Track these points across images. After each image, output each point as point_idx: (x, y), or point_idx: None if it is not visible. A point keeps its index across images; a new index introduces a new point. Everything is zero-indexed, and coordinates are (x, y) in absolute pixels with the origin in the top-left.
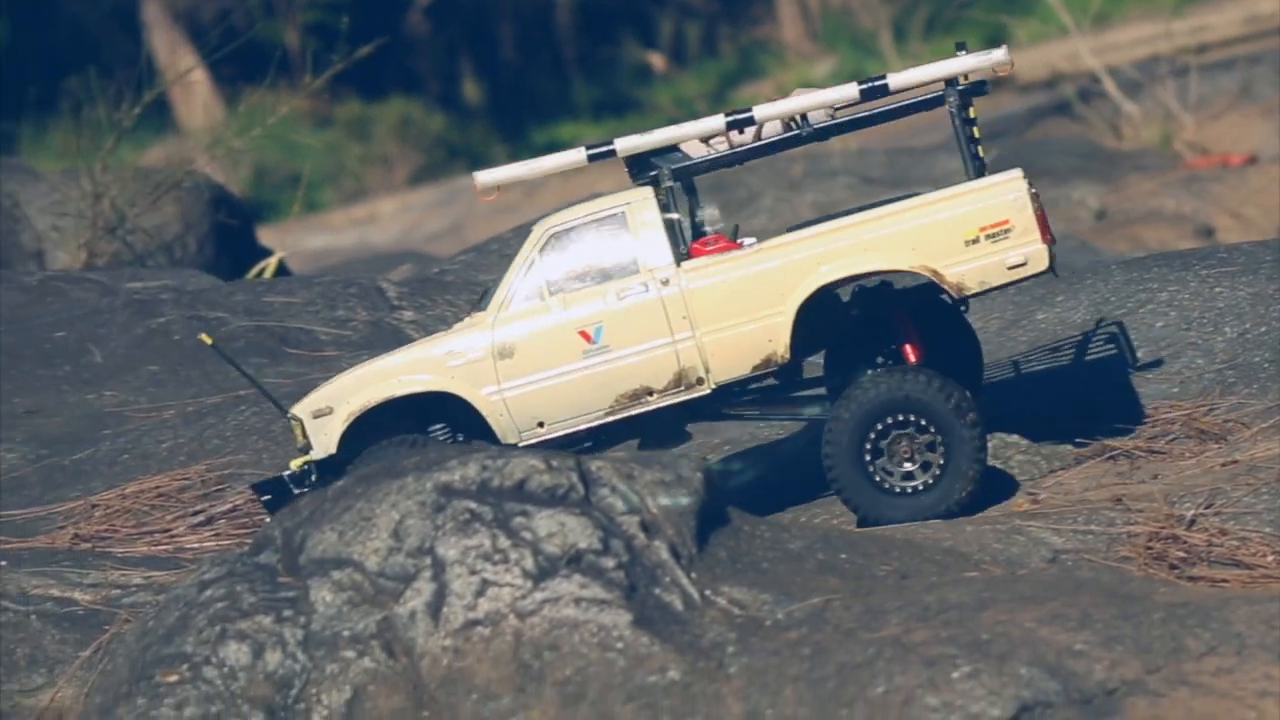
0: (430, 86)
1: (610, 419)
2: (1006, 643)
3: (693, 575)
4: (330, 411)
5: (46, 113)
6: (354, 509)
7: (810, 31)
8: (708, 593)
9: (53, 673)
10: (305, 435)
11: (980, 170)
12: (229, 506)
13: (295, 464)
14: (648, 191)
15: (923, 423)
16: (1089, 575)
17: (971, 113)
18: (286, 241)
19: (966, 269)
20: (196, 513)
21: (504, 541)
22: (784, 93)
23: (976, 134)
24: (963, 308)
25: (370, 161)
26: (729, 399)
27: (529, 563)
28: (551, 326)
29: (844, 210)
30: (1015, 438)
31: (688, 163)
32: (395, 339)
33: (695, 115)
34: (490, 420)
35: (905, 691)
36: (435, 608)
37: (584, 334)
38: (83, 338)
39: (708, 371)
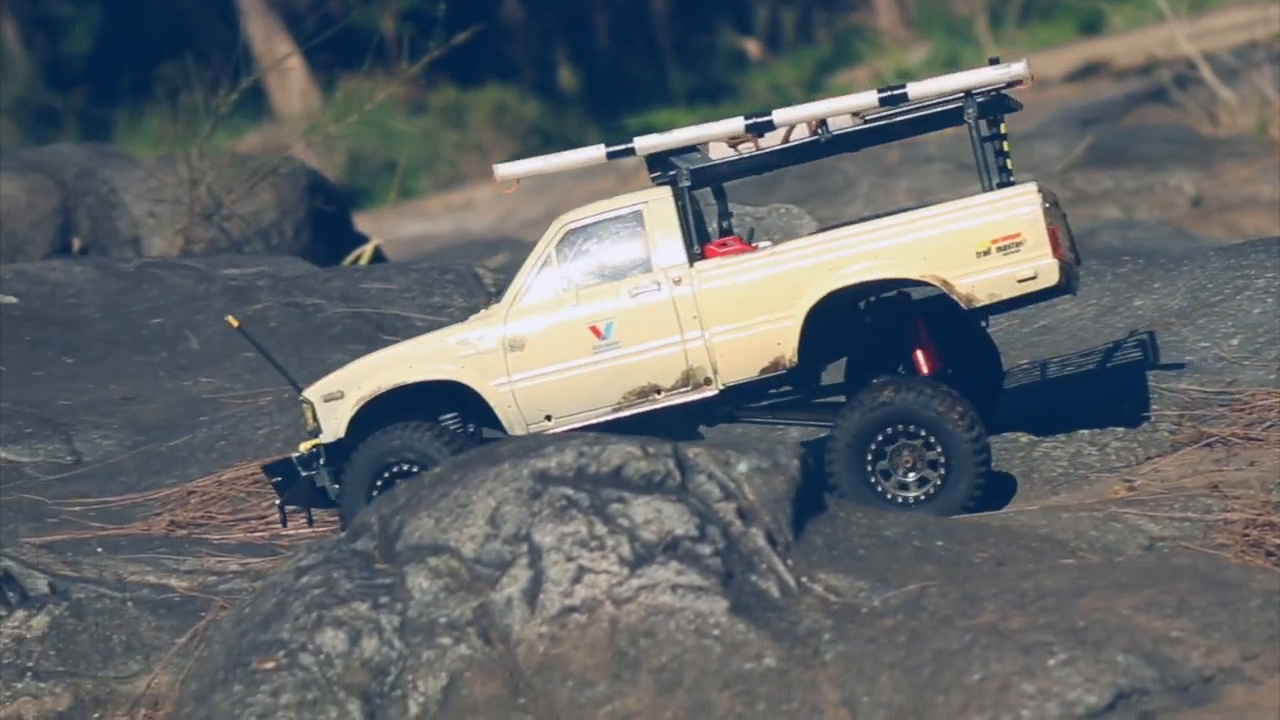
0: (525, 73)
1: (618, 415)
2: (1103, 630)
3: (789, 562)
4: (341, 396)
5: (142, 99)
6: (451, 495)
7: (905, 18)
8: (804, 579)
9: (149, 659)
10: (315, 418)
11: (1007, 184)
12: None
13: (304, 446)
14: (666, 191)
15: (923, 433)
16: (1185, 562)
17: (1003, 128)
18: (382, 228)
19: (977, 280)
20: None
21: (600, 528)
22: (879, 80)
23: (1006, 148)
24: (984, 321)
25: (466, 148)
26: (738, 401)
27: (625, 549)
28: (563, 321)
29: (863, 217)
30: (1100, 430)
31: (705, 164)
32: None
33: (790, 102)
34: (498, 411)
35: (1001, 679)
36: (532, 594)
37: (595, 329)
38: (179, 324)
39: (716, 372)
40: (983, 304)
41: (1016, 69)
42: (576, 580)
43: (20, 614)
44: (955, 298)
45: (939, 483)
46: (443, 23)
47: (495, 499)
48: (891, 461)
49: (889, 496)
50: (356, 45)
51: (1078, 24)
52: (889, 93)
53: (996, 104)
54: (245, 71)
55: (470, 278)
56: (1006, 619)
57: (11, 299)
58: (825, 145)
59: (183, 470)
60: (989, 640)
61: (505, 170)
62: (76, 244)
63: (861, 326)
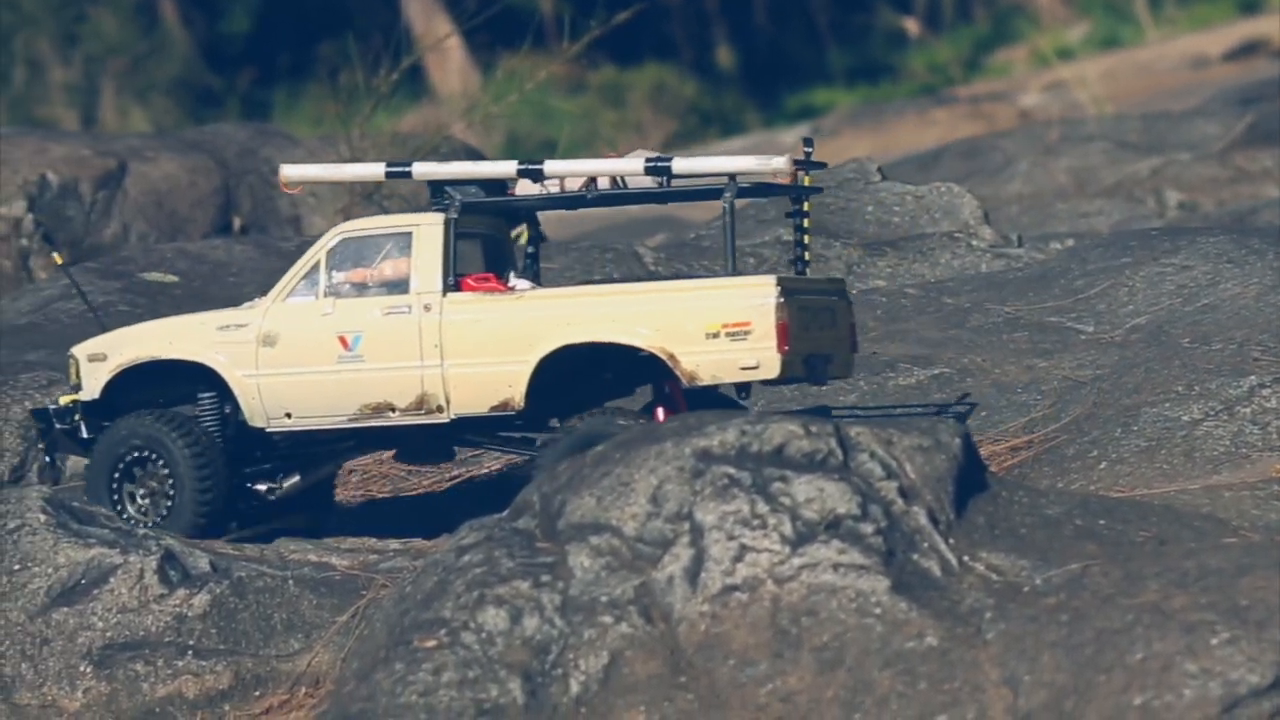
0: (684, 53)
1: (353, 425)
2: (1265, 609)
3: (951, 541)
4: (104, 358)
5: (300, 80)
6: (613, 474)
7: None
8: (965, 558)
9: (309, 638)
10: (78, 375)
11: (802, 270)
12: (485, 471)
13: (64, 399)
14: (439, 217)
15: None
16: None
17: (806, 206)
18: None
19: (702, 360)
20: (453, 477)
21: (762, 507)
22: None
23: (807, 233)
24: (743, 396)
25: (624, 128)
26: (471, 430)
27: (787, 528)
28: (314, 325)
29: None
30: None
31: (478, 199)
32: None
33: (950, 82)
34: (241, 401)
35: (1163, 658)
36: (693, 573)
37: (342, 339)
38: None
39: (448, 402)
40: (704, 383)
41: (777, 163)
42: (738, 559)
43: (182, 592)
44: (678, 373)
45: None
46: (603, 2)
47: (657, 477)
48: None
49: None
50: (515, 25)
51: (1237, 2)
52: (655, 164)
53: (807, 190)
54: (405, 52)
55: (630, 256)
56: (1169, 598)
57: (173, 278)
58: (593, 198)
59: None
60: (1151, 619)
61: (290, 172)
62: (237, 223)
63: (603, 381)
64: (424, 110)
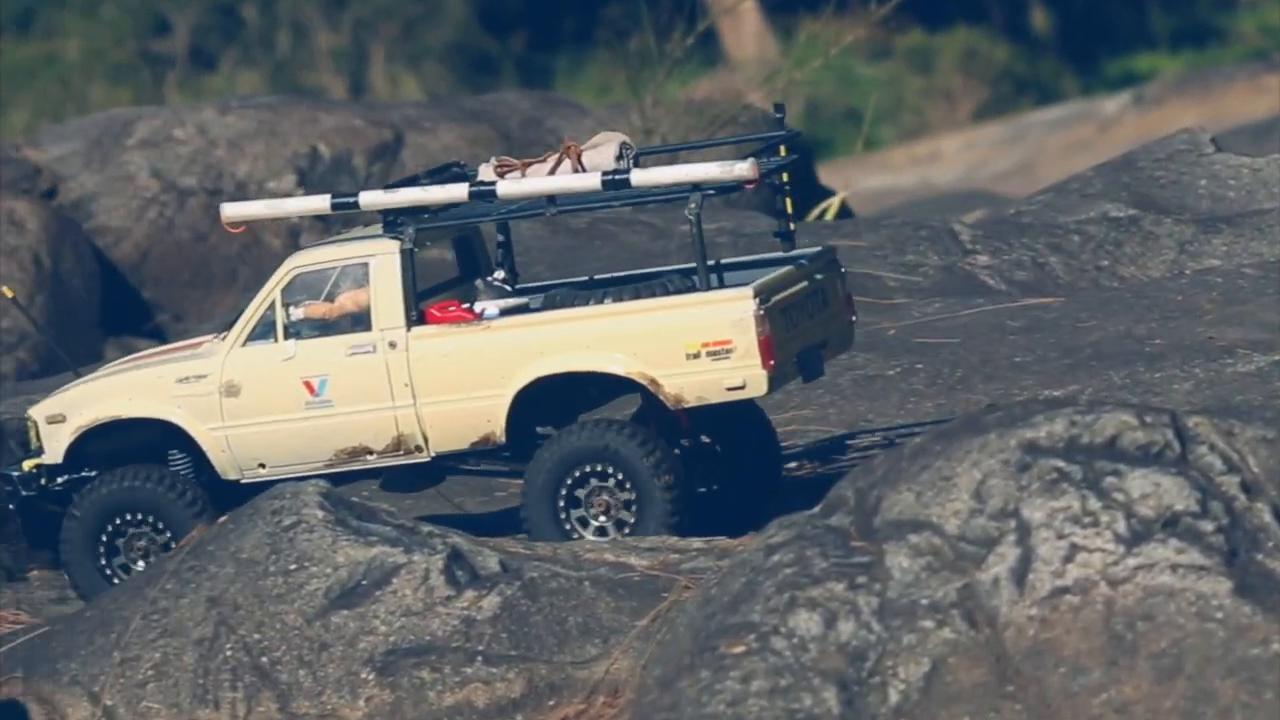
0: (995, 15)
1: (331, 470)
2: None
3: None
4: (63, 420)
5: (584, 45)
6: (932, 468)
7: None
8: None
9: (607, 643)
10: (39, 438)
11: (789, 243)
12: (795, 465)
13: (28, 465)
14: (394, 245)
15: (619, 476)
16: None
17: (785, 178)
18: (846, 180)
19: (685, 382)
20: None
21: (1094, 503)
22: None
23: (790, 208)
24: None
25: (932, 95)
26: (456, 462)
27: (1121, 526)
28: (278, 372)
29: (600, 280)
30: None
31: (432, 224)
32: (969, 285)
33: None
34: (211, 456)
35: None
36: (1020, 574)
37: (308, 384)
38: None
39: (426, 441)
40: (690, 405)
41: (741, 169)
42: (1068, 559)
43: (470, 594)
44: (662, 398)
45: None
46: None
47: (980, 471)
48: (586, 503)
49: (575, 537)
50: None
51: None
52: (611, 177)
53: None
54: (699, 15)
55: (945, 234)
56: None
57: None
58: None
59: None
60: None
61: (231, 211)
62: None
63: (586, 400)
64: (718, 77)
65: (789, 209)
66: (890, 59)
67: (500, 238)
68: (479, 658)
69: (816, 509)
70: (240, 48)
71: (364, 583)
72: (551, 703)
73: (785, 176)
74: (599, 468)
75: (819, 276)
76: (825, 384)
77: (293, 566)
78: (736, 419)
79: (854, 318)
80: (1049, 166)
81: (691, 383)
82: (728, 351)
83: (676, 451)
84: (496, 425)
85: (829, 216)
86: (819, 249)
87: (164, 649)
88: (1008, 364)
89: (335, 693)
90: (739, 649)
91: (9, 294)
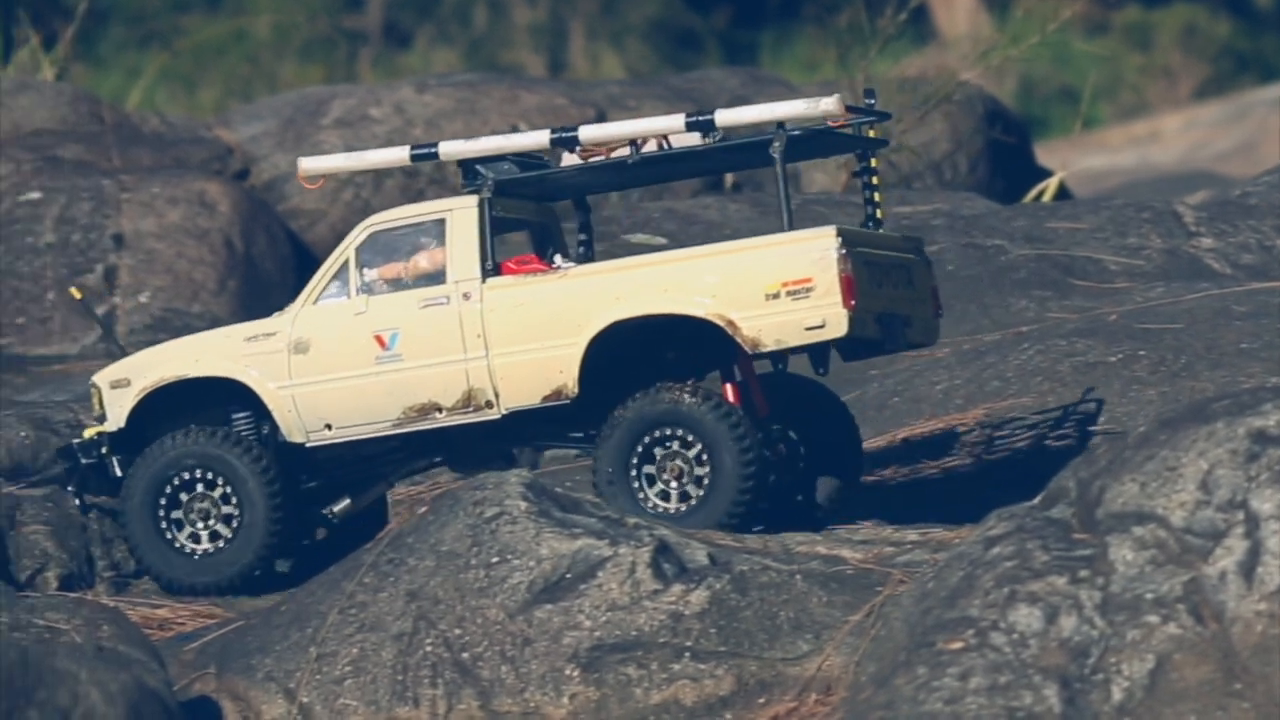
0: None
1: (399, 431)
2: None
3: None
4: (127, 384)
5: (790, 20)
6: (1157, 457)
7: None
8: None
9: (819, 639)
10: (102, 405)
11: (876, 227)
12: (1009, 454)
13: (88, 433)
14: (472, 200)
15: (690, 439)
16: None
17: (874, 162)
18: (1063, 161)
19: (764, 324)
20: (975, 456)
21: None
22: None
23: (878, 192)
24: (820, 371)
25: (1150, 73)
26: (525, 428)
27: None
28: (349, 327)
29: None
30: None
31: (511, 176)
32: (1193, 268)
33: None
34: (276, 416)
35: None
36: (1248, 568)
37: (379, 338)
38: None
39: (497, 396)
40: (769, 349)
41: (826, 104)
42: None
43: (678, 588)
44: (739, 340)
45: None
46: None
47: (1207, 461)
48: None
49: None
50: None
51: None
52: (696, 118)
53: (873, 143)
54: None
55: (1169, 216)
56: None
57: (661, 240)
58: (636, 169)
59: None
60: None
61: (309, 164)
62: (730, 179)
63: (665, 363)
64: (928, 54)
65: (876, 197)
66: (1107, 35)
67: (582, 236)
68: (687, 654)
69: (1037, 500)
70: (435, 24)
71: (568, 576)
72: (762, 700)
73: (874, 163)
74: (677, 431)
75: (905, 255)
76: (1044, 370)
77: (495, 559)
78: (818, 409)
79: (940, 314)
80: (1272, 146)
81: (770, 324)
82: (808, 290)
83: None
84: (569, 377)
85: (1047, 198)
86: (908, 235)
87: (362, 644)
88: (1234, 350)
89: (538, 690)
90: (957, 645)
91: (78, 295)
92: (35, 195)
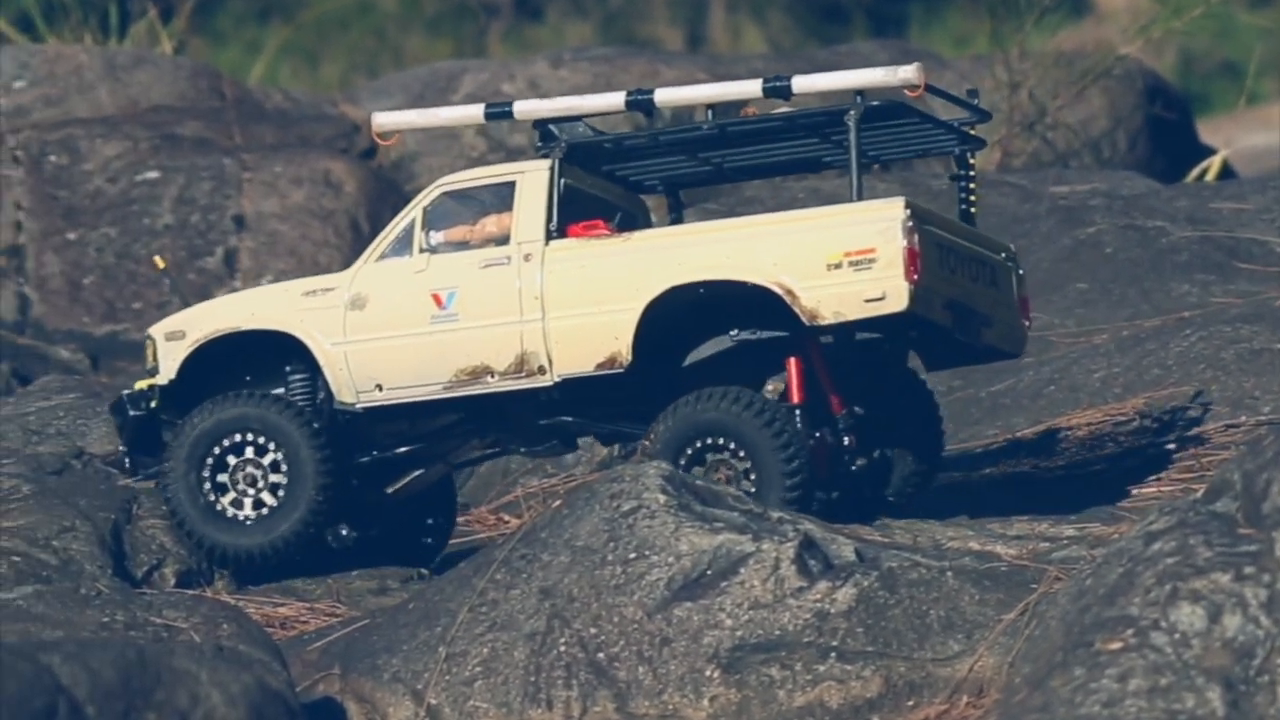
0: None
1: (449, 395)
2: None
3: None
4: (182, 336)
5: None
6: None
7: None
8: None
9: (971, 638)
10: (155, 357)
11: (970, 224)
12: (1172, 446)
13: (139, 385)
14: (544, 164)
15: (732, 445)
16: None
17: (972, 160)
18: (1228, 139)
19: (823, 294)
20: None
21: None
22: None
23: (974, 189)
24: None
25: None
26: (577, 398)
27: None
28: (407, 284)
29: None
30: None
31: (586, 139)
32: None
33: None
34: (328, 373)
35: None
36: None
37: (436, 297)
38: None
39: (550, 361)
40: (827, 321)
41: (905, 73)
42: None
43: (823, 585)
44: (798, 310)
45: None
46: None
47: None
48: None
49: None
50: None
51: None
52: (773, 84)
53: (972, 142)
54: None
55: None
56: None
57: None
58: (717, 150)
59: (1006, 419)
60: None
61: (381, 119)
62: None
63: (728, 354)
64: (1085, 27)
65: (972, 197)
66: (1273, 7)
67: (673, 220)
68: (833, 654)
69: (1200, 494)
70: None
71: (709, 573)
72: (910, 703)
73: (972, 159)
74: (718, 441)
75: (991, 253)
76: (1207, 358)
77: (632, 555)
78: (898, 391)
79: (1028, 323)
80: None
81: (829, 294)
82: (870, 261)
83: (818, 434)
84: (624, 343)
85: (1210, 177)
86: (1001, 241)
87: (493, 644)
88: None
89: (677, 691)
90: (1116, 645)
91: (161, 264)
92: (153, 175)
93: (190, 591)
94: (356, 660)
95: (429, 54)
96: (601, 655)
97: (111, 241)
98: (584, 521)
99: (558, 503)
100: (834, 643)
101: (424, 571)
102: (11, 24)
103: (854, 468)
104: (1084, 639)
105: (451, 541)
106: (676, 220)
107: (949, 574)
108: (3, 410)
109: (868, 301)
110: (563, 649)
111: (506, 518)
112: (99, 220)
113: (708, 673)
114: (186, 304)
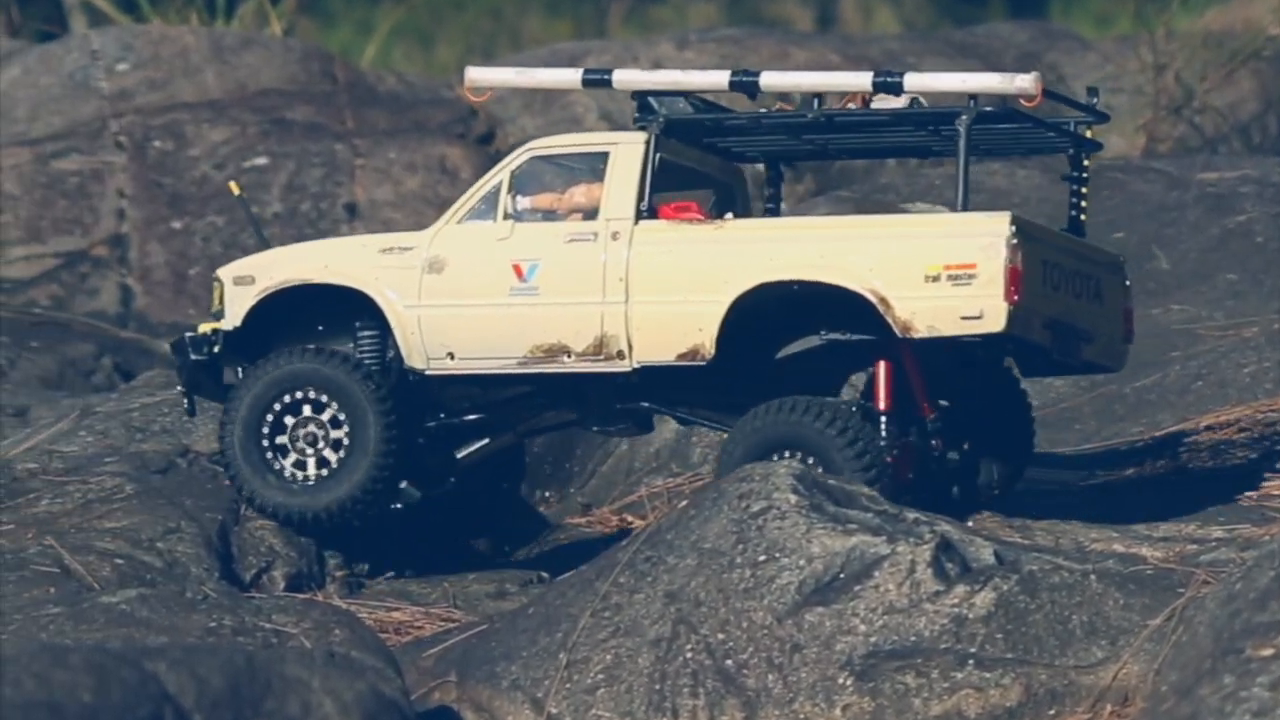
0: None
1: (523, 370)
2: None
3: None
4: (251, 281)
5: None
6: None
7: None
8: None
9: (1115, 644)
10: (221, 301)
11: (1078, 234)
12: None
13: (203, 328)
14: (640, 137)
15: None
16: None
17: (1086, 163)
18: None
19: (918, 307)
20: None
21: None
22: None
23: (1084, 200)
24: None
25: None
26: (657, 387)
27: None
28: (488, 251)
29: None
30: None
31: (684, 115)
32: None
33: None
34: (399, 335)
35: None
36: None
37: (517, 268)
38: (1145, 239)
39: (630, 347)
40: (920, 335)
41: (1022, 81)
42: None
43: (961, 589)
44: (890, 320)
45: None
46: None
47: None
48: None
49: None
50: None
51: None
52: (884, 79)
53: (1087, 144)
54: None
55: None
56: None
57: (942, 209)
58: (819, 131)
59: (1151, 415)
60: None
61: (477, 75)
62: None
63: (815, 350)
64: (1234, 7)
65: (1083, 204)
66: None
67: (769, 199)
68: (971, 661)
69: None
70: None
71: (842, 576)
72: (1052, 711)
73: (1087, 161)
74: (791, 453)
75: (1097, 265)
76: None
77: (762, 558)
78: (990, 389)
79: (1130, 339)
80: None
81: (925, 308)
82: (970, 276)
83: (905, 438)
84: (708, 336)
85: None
86: (1109, 252)
87: (616, 650)
88: None
89: (808, 699)
90: (1268, 651)
91: (236, 190)
92: (262, 160)
93: (301, 595)
94: (474, 667)
95: (548, 35)
96: (729, 662)
97: (218, 231)
98: (711, 523)
99: (684, 503)
100: (972, 649)
101: (544, 575)
102: (114, 4)
103: (944, 463)
104: (1234, 645)
105: (572, 542)
106: (774, 194)
107: (1092, 577)
108: (105, 407)
109: (964, 319)
110: (689, 656)
111: (630, 518)
112: (205, 209)
113: (840, 680)
114: (262, 236)
